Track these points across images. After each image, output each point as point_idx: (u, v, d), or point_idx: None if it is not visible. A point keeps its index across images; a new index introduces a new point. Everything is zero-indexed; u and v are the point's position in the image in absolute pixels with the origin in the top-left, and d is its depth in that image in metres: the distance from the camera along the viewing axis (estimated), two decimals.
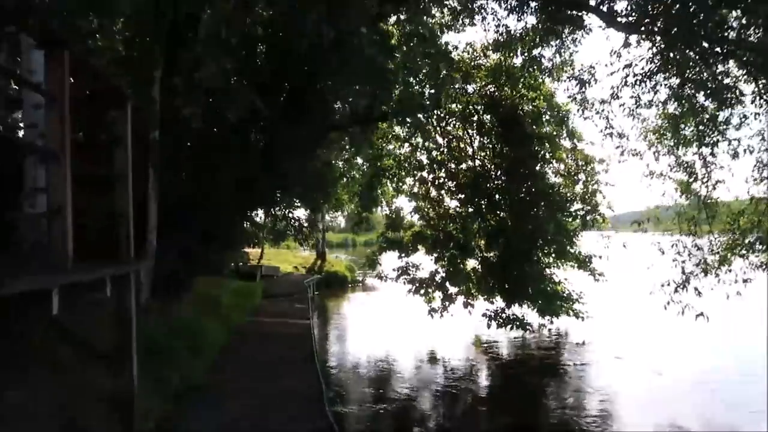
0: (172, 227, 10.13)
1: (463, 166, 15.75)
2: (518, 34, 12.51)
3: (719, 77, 10.58)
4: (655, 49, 11.12)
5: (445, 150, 15.95)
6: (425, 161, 16.14)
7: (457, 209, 15.77)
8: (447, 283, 14.73)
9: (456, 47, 14.22)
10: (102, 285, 4.51)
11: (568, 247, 14.28)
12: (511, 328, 14.07)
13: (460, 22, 13.15)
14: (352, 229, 34.22)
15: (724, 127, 11.46)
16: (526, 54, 12.85)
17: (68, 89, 3.93)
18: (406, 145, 16.60)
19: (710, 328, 11.97)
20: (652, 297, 12.08)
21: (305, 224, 22.07)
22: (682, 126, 12.04)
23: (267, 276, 25.50)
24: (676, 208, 12.63)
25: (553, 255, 14.52)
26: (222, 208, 11.48)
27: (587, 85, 12.28)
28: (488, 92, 14.87)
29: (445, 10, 13.10)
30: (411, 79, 11.97)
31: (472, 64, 14.81)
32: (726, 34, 9.91)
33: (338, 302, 25.94)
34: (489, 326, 14.09)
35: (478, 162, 15.56)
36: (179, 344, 8.92)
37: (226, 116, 9.27)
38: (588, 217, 14.25)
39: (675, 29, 9.99)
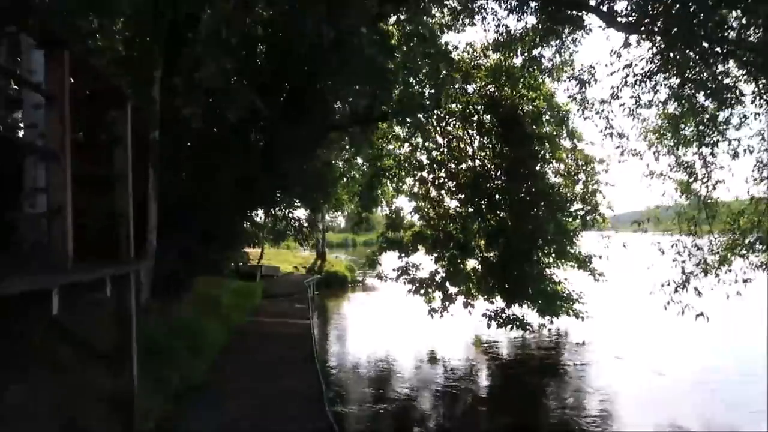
0: (172, 227, 10.13)
1: (463, 166, 15.76)
2: (518, 34, 12.51)
3: (719, 77, 10.59)
4: (655, 49, 11.12)
5: (445, 150, 15.95)
6: (425, 161, 16.15)
7: (457, 209, 15.78)
8: (447, 283, 14.73)
9: (456, 47, 14.24)
10: (102, 285, 4.51)
11: (568, 247, 14.28)
12: (511, 328, 14.07)
13: (460, 22, 13.15)
14: (352, 229, 34.23)
15: (724, 127, 11.47)
16: (526, 54, 12.85)
17: (68, 89, 3.93)
18: (406, 145, 16.60)
19: (710, 328, 11.96)
20: (652, 297, 12.08)
21: (305, 224, 22.06)
22: (682, 126, 12.05)
23: (267, 276, 25.51)
24: (676, 208, 12.63)
25: (553, 255, 14.53)
26: (222, 208, 11.48)
27: (587, 85, 12.28)
28: (488, 92, 14.87)
29: (445, 10, 13.11)
30: (411, 79, 11.96)
31: (472, 64, 14.81)
32: (726, 34, 9.91)
33: (338, 302, 25.94)
34: (489, 326, 14.09)
35: (478, 162, 15.56)
36: (179, 344, 8.92)
37: (226, 116, 9.27)
38: (588, 217, 14.25)
39: (675, 29, 9.99)
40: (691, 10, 9.05)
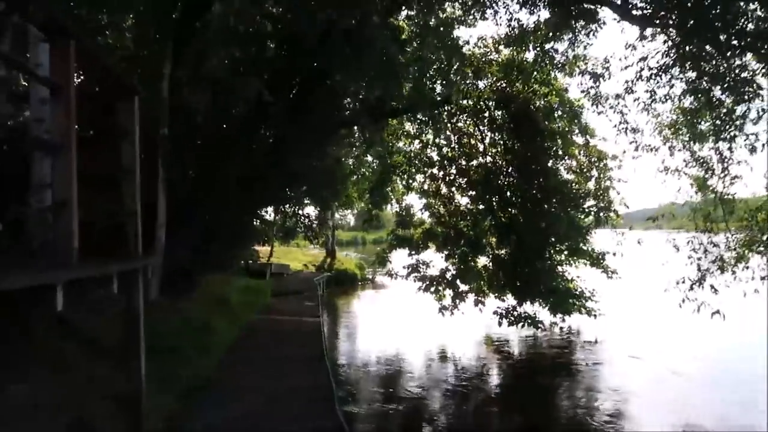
0: (182, 224, 10.08)
1: (474, 162, 15.62)
2: (531, 28, 12.33)
3: (736, 70, 10.37)
4: (670, 42, 10.91)
5: (456, 146, 15.82)
6: (436, 158, 16.03)
7: (468, 206, 15.64)
8: (457, 281, 14.60)
9: (467, 42, 14.08)
10: (109, 282, 4.44)
11: (581, 244, 14.09)
12: (523, 326, 13.92)
13: (472, 16, 12.97)
14: (362, 226, 34.18)
15: (742, 121, 11.22)
16: (538, 48, 12.68)
17: (73, 81, 3.85)
18: (417, 141, 16.48)
19: (727, 326, 11.73)
20: (667, 294, 11.89)
21: (315, 222, 22.00)
22: (699, 121, 11.83)
23: (277, 274, 25.49)
24: (691, 205, 12.43)
25: (566, 252, 14.36)
26: (231, 205, 11.42)
27: (601, 79, 12.10)
28: (500, 88, 14.70)
29: (456, 4, 12.94)
30: (422, 75, 11.81)
31: (484, 59, 14.64)
32: (744, 25, 9.69)
33: (348, 300, 25.88)
34: (500, 324, 13.96)
35: (489, 158, 15.41)
36: (188, 342, 8.87)
37: (235, 112, 9.20)
38: (601, 214, 14.05)
39: (691, 21, 9.80)
40: (708, 1, 8.85)
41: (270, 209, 18.78)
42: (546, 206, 13.98)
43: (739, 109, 11.09)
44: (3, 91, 4.19)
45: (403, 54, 10.18)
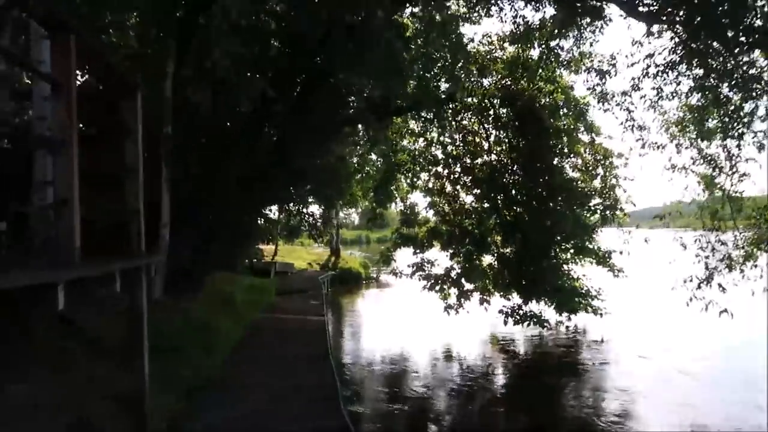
0: (186, 223, 10.04)
1: (479, 160, 15.51)
2: (536, 26, 12.23)
3: (744, 67, 10.27)
4: (677, 39, 10.81)
5: (461, 144, 15.73)
6: (440, 156, 15.94)
7: (473, 204, 15.55)
8: (462, 280, 14.52)
9: (472, 39, 13.99)
10: (113, 280, 4.40)
11: (587, 243, 13.99)
12: (528, 325, 13.83)
13: (476, 13, 12.87)
14: (366, 225, 34.13)
15: (750, 118, 11.14)
16: (543, 46, 12.58)
17: (74, 77, 3.81)
18: (421, 139, 16.40)
19: (735, 325, 11.61)
20: (674, 293, 11.79)
21: (319, 220, 21.95)
22: (706, 118, 11.72)
23: (281, 272, 25.48)
24: (698, 203, 12.34)
25: (571, 251, 14.26)
26: (235, 203, 11.38)
27: (608, 76, 12.00)
28: (505, 85, 14.61)
29: (461, 0, 12.83)
30: (426, 72, 11.73)
31: (488, 56, 14.55)
32: (752, 22, 9.58)
33: (352, 299, 25.84)
34: (506, 323, 13.87)
35: (494, 156, 15.31)
36: (192, 341, 8.84)
37: (239, 109, 9.15)
38: (607, 213, 13.95)
39: (698, 18, 9.70)
40: None
41: (274, 208, 18.74)
42: (551, 204, 13.88)
43: (747, 107, 11.01)
44: (4, 87, 4.14)
45: (407, 51, 10.10)
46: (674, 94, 11.51)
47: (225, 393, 7.87)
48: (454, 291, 14.54)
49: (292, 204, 18.30)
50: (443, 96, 12.62)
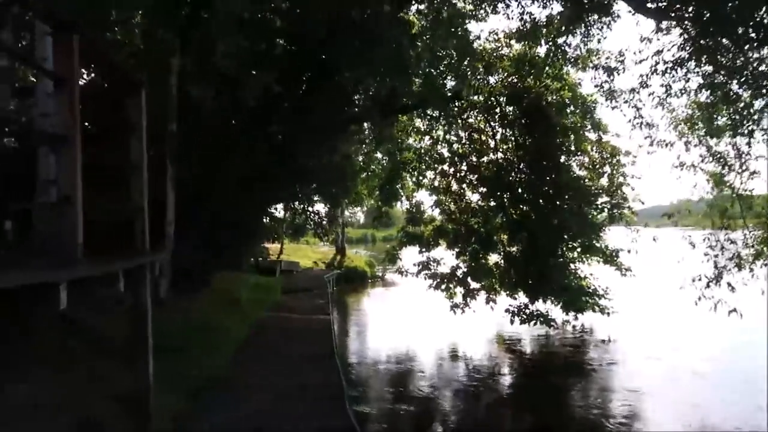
0: (191, 222, 10.03)
1: (485, 158, 15.43)
2: (543, 23, 12.12)
3: (754, 64, 10.15)
4: (686, 36, 10.70)
5: (467, 143, 15.65)
6: (446, 154, 15.87)
7: (479, 203, 15.47)
8: (469, 279, 14.45)
9: (478, 37, 13.90)
10: (117, 279, 4.35)
11: (594, 242, 13.87)
12: (535, 324, 13.74)
13: (483, 10, 12.76)
14: (371, 224, 34.09)
15: (760, 116, 11.04)
16: (550, 43, 12.47)
17: (78, 73, 3.77)
18: (427, 137, 16.34)
19: (745, 325, 11.47)
20: (683, 292, 11.67)
21: (325, 219, 21.95)
22: (715, 115, 11.61)
23: (286, 271, 25.46)
24: (708, 201, 12.23)
25: (578, 249, 14.15)
26: (241, 202, 11.36)
27: (616, 72, 11.89)
28: (511, 83, 14.52)
29: None
30: (432, 70, 11.65)
31: (495, 54, 14.46)
32: (761, 18, 9.45)
33: (358, 298, 25.80)
34: (512, 322, 13.78)
35: (500, 154, 15.22)
36: (197, 340, 8.80)
37: (245, 107, 9.11)
38: (615, 211, 13.83)
39: (707, 14, 9.60)
40: None
41: (280, 206, 18.76)
42: (558, 203, 13.79)
43: (757, 104, 10.92)
44: (5, 82, 4.10)
45: (413, 48, 10.03)
46: (683, 91, 11.42)
47: (230, 393, 7.82)
48: (460, 290, 14.48)
49: (297, 202, 18.31)
50: (449, 94, 12.54)
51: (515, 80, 14.46)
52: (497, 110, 15.06)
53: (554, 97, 14.31)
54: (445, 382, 11.55)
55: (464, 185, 15.76)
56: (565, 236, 13.79)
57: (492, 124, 15.38)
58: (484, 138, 15.57)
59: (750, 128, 11.10)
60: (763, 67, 10.22)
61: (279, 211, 19.75)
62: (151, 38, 10.06)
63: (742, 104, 11.01)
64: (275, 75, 9.27)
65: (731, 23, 9.31)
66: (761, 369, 11.57)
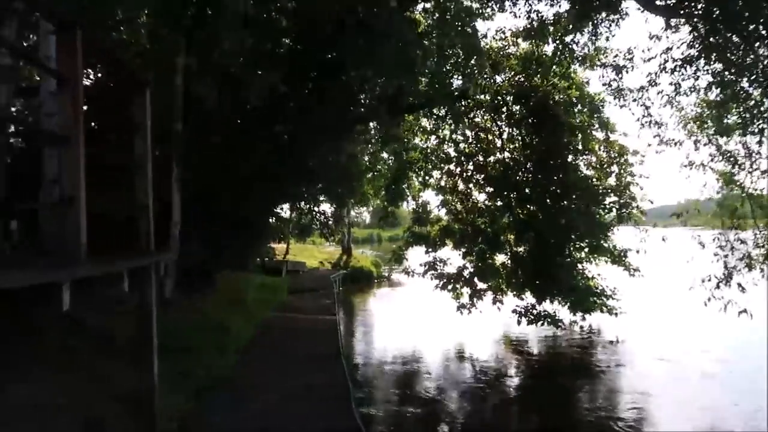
0: (197, 221, 10.00)
1: (492, 158, 15.35)
2: (550, 21, 12.02)
3: (765, 62, 10.02)
4: (695, 33, 10.58)
5: (474, 142, 15.57)
6: (453, 154, 15.81)
7: (486, 203, 15.41)
8: (475, 279, 14.38)
9: (485, 35, 13.81)
10: (122, 279, 4.32)
11: (602, 242, 13.75)
12: (542, 325, 13.65)
13: (490, 8, 12.66)
14: (378, 223, 34.05)
15: None
16: (558, 41, 12.36)
17: (81, 72, 3.73)
18: (433, 137, 16.26)
19: (755, 326, 11.33)
20: (692, 293, 11.55)
21: (331, 219, 21.87)
22: (725, 114, 11.47)
23: (293, 271, 25.45)
24: (716, 200, 12.11)
25: (586, 249, 14.04)
26: (247, 202, 11.32)
27: (624, 71, 11.78)
28: (518, 82, 14.43)
29: None
30: (439, 69, 11.55)
31: (502, 53, 14.38)
32: None
33: (364, 298, 25.75)
34: (519, 323, 13.70)
35: (507, 154, 15.13)
36: (203, 340, 8.78)
37: (249, 106, 9.06)
38: (623, 211, 13.71)
39: (717, 11, 9.48)
40: None
41: (286, 206, 18.70)
42: (566, 202, 13.69)
43: None
44: (9, 81, 4.07)
45: (419, 46, 9.96)
46: (692, 90, 11.31)
47: (235, 393, 7.79)
48: (466, 290, 14.42)
49: (303, 202, 18.24)
50: (456, 93, 12.46)
51: (522, 79, 14.37)
52: (504, 109, 14.97)
53: (561, 96, 14.20)
54: (451, 383, 11.48)
55: (471, 185, 15.68)
56: (573, 236, 13.69)
57: (499, 123, 15.30)
58: (490, 137, 15.48)
59: (760, 126, 10.98)
60: None
61: (285, 211, 19.70)
62: (156, 38, 10.05)
63: (752, 102, 10.89)
64: (281, 74, 9.21)
65: (741, 20, 9.20)
66: None
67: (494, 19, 15.48)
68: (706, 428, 8.94)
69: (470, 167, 15.55)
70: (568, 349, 14.39)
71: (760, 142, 11.08)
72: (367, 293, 27.07)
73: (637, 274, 13.61)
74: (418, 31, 10.29)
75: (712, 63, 10.74)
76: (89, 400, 4.71)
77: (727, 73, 10.50)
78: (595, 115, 14.26)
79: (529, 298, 13.96)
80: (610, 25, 11.84)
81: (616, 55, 12.43)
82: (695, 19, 10.25)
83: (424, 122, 16.15)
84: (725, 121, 11.60)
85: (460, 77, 12.48)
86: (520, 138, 15.02)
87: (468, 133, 15.59)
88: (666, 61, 10.91)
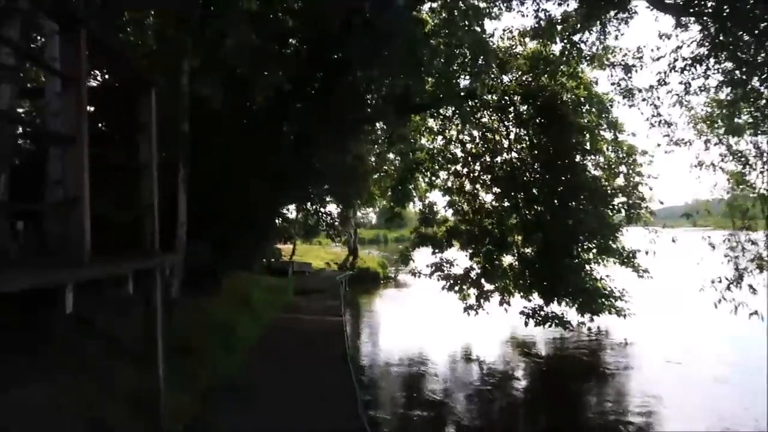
0: (203, 222, 9.98)
1: (499, 158, 15.25)
2: (558, 20, 11.94)
3: None
4: (705, 32, 10.47)
5: (480, 142, 15.49)
6: (459, 154, 15.73)
7: (493, 203, 15.30)
8: (482, 280, 14.29)
9: (492, 35, 13.74)
10: (127, 280, 4.29)
11: (611, 242, 13.62)
12: (550, 326, 13.54)
13: (497, 7, 12.57)
14: (384, 224, 34.02)
15: None
16: (566, 40, 12.27)
17: (85, 71, 3.70)
18: (440, 137, 16.19)
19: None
20: (702, 294, 11.40)
21: (337, 220, 21.87)
22: (736, 113, 11.34)
23: (299, 272, 25.44)
24: (727, 201, 11.97)
25: (594, 250, 13.91)
26: (253, 203, 11.31)
27: (633, 70, 11.68)
28: (526, 82, 14.34)
29: None
30: (447, 68, 11.49)
31: (509, 52, 14.29)
32: None
33: (370, 299, 25.69)
34: (527, 324, 13.60)
35: (514, 154, 15.05)
36: (209, 341, 8.74)
37: (257, 108, 9.03)
38: (632, 211, 13.58)
39: (727, 9, 9.38)
40: None
41: (292, 207, 18.71)
42: (573, 203, 13.57)
43: None
44: (12, 81, 4.04)
45: (426, 45, 9.90)
46: (702, 89, 11.20)
47: (241, 394, 7.75)
48: (473, 291, 14.33)
49: (309, 203, 18.24)
50: (463, 93, 12.38)
51: (530, 79, 14.29)
52: (511, 109, 14.88)
53: (569, 96, 14.11)
54: (458, 385, 11.39)
55: (478, 185, 15.59)
56: (581, 237, 13.57)
57: (506, 123, 15.22)
58: (497, 137, 15.38)
59: None
60: None
61: (291, 211, 19.72)
62: (163, 39, 10.05)
63: (763, 101, 10.77)
64: (288, 75, 9.19)
65: (752, 18, 9.10)
66: None
67: (501, 19, 15.42)
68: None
69: (477, 168, 15.47)
70: (576, 351, 14.26)
71: None
72: (373, 294, 27.00)
73: (645, 276, 13.46)
74: (425, 31, 10.22)
75: (722, 62, 10.64)
76: (95, 402, 4.67)
77: (737, 71, 10.38)
78: (604, 115, 14.15)
79: (536, 300, 13.86)
80: (619, 24, 11.77)
81: (625, 54, 12.35)
82: (705, 18, 10.15)
83: (431, 122, 16.09)
84: (736, 120, 11.47)
85: (467, 77, 12.40)
86: (527, 138, 14.92)
87: (475, 133, 15.52)
88: (676, 60, 10.84)
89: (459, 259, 15.06)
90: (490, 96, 14.49)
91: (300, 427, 6.75)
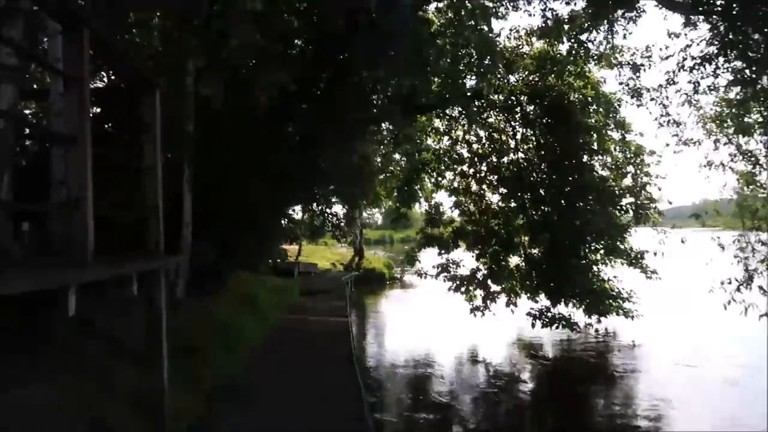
0: (208, 222, 9.97)
1: (506, 159, 15.17)
2: (566, 19, 11.85)
3: None
4: (714, 31, 10.37)
5: (487, 143, 15.41)
6: (466, 155, 15.65)
7: (499, 204, 15.21)
8: (489, 281, 14.20)
9: (498, 34, 13.67)
10: (132, 281, 4.26)
11: (618, 243, 13.51)
12: (557, 328, 13.44)
13: (504, 7, 12.50)
14: (390, 225, 34.00)
15: None
16: (573, 40, 12.18)
17: (87, 71, 3.66)
18: (446, 138, 16.13)
19: None
20: (712, 295, 11.30)
21: (343, 220, 21.85)
22: (745, 112, 11.23)
23: (304, 273, 25.43)
24: (736, 201, 11.86)
25: (602, 251, 13.80)
26: (258, 203, 11.28)
27: (642, 69, 11.58)
28: (532, 82, 14.26)
29: None
30: (454, 68, 11.42)
31: (515, 52, 14.21)
32: None
33: (376, 300, 25.65)
34: (533, 326, 13.51)
35: (521, 155, 14.95)
36: (214, 342, 8.72)
37: (262, 108, 8.99)
38: (640, 212, 13.46)
39: (737, 8, 9.28)
40: None
41: (298, 208, 18.69)
42: (581, 203, 13.47)
43: None
44: (14, 82, 4.02)
45: (433, 45, 9.85)
46: (711, 88, 11.09)
47: (245, 395, 7.72)
48: (480, 292, 14.23)
49: (315, 204, 18.23)
50: (469, 93, 12.32)
51: (536, 78, 14.20)
52: (518, 109, 14.80)
53: (576, 96, 14.01)
54: (464, 387, 11.34)
55: (484, 186, 15.52)
56: (588, 238, 13.46)
57: (512, 123, 15.13)
58: (504, 138, 15.31)
59: None
60: None
61: (297, 212, 19.71)
62: (169, 39, 10.04)
63: None
64: (293, 75, 9.16)
65: (762, 17, 8.99)
66: None
67: (508, 18, 15.35)
68: None
69: (483, 168, 15.39)
70: (583, 353, 14.16)
71: None
72: (379, 295, 26.96)
73: (654, 277, 13.34)
74: (431, 31, 10.17)
75: (732, 60, 10.53)
76: (98, 402, 4.64)
77: (747, 70, 10.28)
78: (611, 115, 14.05)
79: (543, 301, 13.75)
80: (627, 23, 11.68)
81: (633, 54, 12.23)
82: (715, 16, 10.05)
83: (437, 123, 16.03)
84: (746, 119, 11.37)
85: (473, 77, 12.32)
86: (534, 138, 14.82)
87: (481, 133, 15.45)
88: (684, 59, 10.76)
89: (465, 259, 14.98)
90: (496, 96, 14.42)
91: (305, 429, 6.70)
